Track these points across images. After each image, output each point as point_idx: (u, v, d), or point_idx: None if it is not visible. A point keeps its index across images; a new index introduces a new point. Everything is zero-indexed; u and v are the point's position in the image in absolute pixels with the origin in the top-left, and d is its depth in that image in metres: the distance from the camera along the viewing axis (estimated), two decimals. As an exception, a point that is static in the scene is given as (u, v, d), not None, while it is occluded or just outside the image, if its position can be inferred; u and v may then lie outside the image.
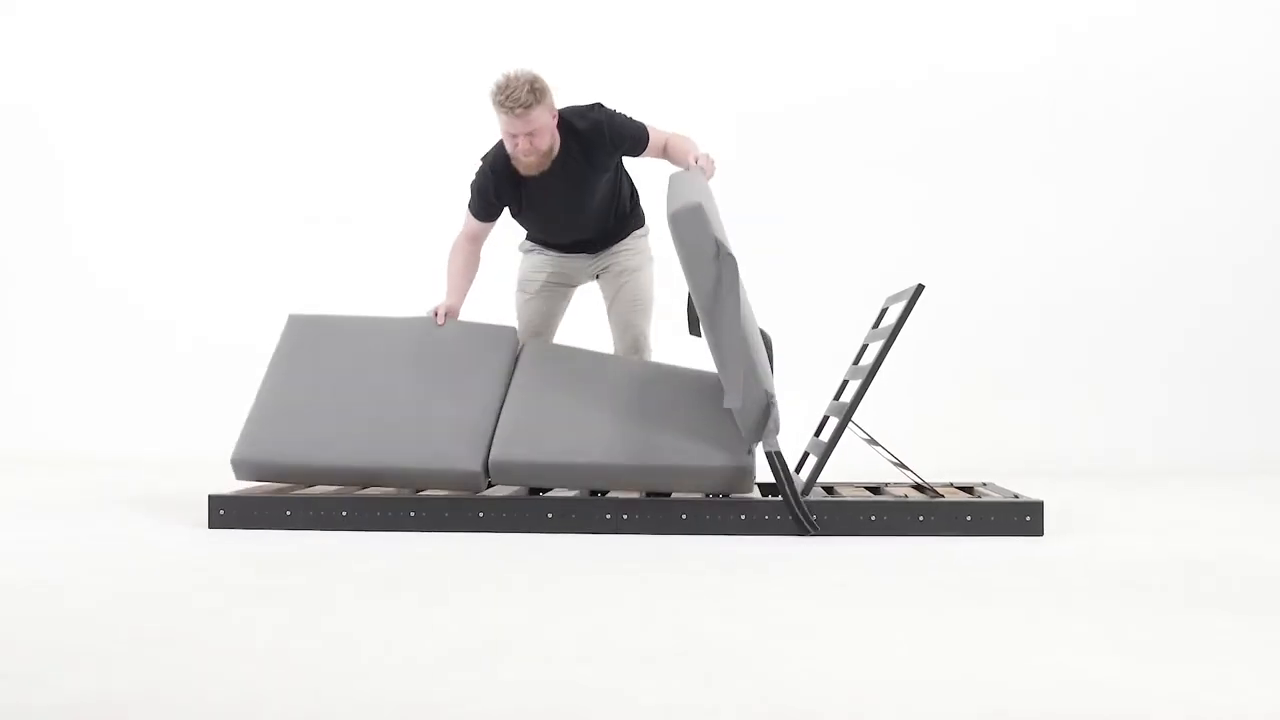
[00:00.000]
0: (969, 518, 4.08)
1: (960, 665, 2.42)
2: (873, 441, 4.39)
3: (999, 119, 7.26)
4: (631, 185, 4.81)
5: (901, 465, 4.39)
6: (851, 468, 5.20)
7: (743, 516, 4.12)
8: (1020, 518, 4.10)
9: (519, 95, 4.30)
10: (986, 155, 7.24)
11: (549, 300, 4.85)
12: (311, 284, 7.30)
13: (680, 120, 7.06)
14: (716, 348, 3.95)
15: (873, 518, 4.09)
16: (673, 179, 4.25)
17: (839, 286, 7.09)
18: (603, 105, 4.54)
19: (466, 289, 4.68)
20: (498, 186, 4.55)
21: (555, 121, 4.43)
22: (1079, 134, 7.25)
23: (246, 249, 7.41)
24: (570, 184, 4.52)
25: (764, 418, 4.01)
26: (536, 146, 4.39)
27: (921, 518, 4.08)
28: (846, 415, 4.15)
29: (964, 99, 7.20)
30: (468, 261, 4.67)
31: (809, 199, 7.25)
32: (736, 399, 3.93)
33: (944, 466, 5.68)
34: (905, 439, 5.46)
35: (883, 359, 4.16)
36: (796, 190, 7.25)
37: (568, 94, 4.54)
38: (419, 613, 2.90)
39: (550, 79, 4.38)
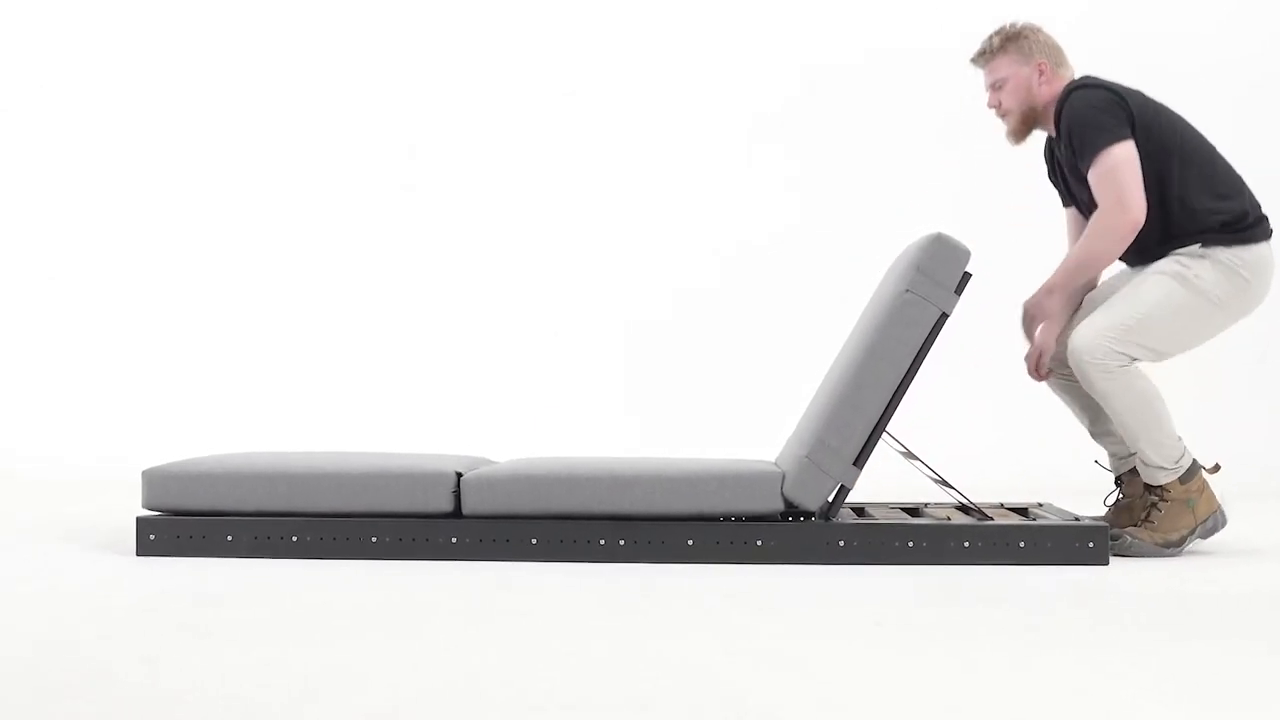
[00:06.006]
0: (1022, 544, 3.86)
1: (1011, 716, 2.29)
2: (911, 455, 4.14)
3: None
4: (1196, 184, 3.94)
5: (944, 483, 4.16)
6: (886, 486, 4.94)
7: (759, 542, 3.83)
8: (1082, 544, 3.85)
9: (987, 40, 4.06)
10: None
11: None
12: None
13: (726, 84, 6.76)
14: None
15: (910, 544, 3.86)
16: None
17: (874, 270, 6.65)
18: (1086, 83, 3.95)
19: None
20: (1050, 155, 4.20)
21: (1039, 79, 4.00)
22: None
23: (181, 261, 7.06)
24: (1073, 174, 4.05)
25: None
26: (1003, 104, 4.07)
27: (967, 544, 3.87)
28: (880, 424, 3.89)
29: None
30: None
31: (825, 181, 6.88)
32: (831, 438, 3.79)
33: (994, 484, 5.39)
34: (949, 452, 5.11)
35: (922, 357, 3.90)
36: (806, 177, 6.89)
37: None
38: (379, 655, 2.72)
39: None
